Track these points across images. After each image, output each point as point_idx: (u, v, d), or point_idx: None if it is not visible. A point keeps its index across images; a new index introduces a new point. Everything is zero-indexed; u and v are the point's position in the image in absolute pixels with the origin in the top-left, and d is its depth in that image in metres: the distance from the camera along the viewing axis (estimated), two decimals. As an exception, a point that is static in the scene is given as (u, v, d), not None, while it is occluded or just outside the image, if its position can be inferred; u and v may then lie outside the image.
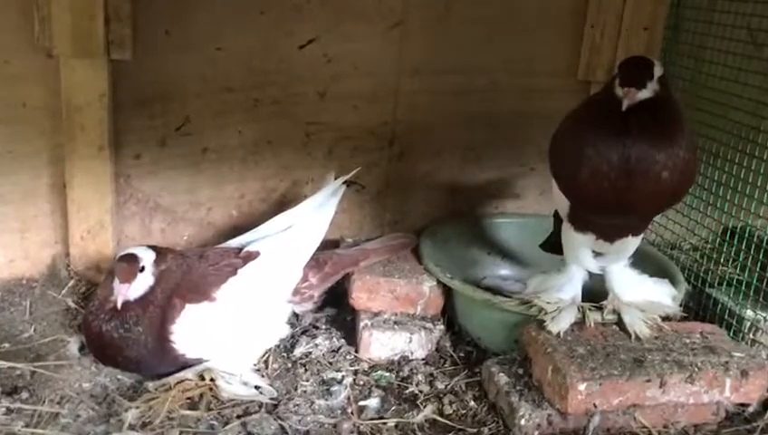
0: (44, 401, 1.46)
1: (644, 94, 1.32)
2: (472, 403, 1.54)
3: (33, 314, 1.76)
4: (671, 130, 1.34)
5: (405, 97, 2.03)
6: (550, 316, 1.54)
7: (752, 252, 1.79)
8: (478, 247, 2.07)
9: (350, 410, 1.50)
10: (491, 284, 1.99)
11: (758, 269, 1.74)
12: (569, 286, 1.61)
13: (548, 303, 1.57)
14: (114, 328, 1.48)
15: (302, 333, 1.75)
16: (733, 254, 1.88)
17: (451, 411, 1.52)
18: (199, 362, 1.55)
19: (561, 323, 1.53)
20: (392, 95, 2.03)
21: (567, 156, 1.39)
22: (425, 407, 1.52)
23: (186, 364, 1.54)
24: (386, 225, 2.14)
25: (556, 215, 1.74)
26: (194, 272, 1.57)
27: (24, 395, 1.47)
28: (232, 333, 1.59)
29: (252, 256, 1.64)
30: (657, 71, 1.35)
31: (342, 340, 1.73)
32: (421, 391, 1.58)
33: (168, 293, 1.52)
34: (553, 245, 1.77)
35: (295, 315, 1.79)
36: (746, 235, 1.83)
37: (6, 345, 1.64)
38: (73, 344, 1.63)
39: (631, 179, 1.31)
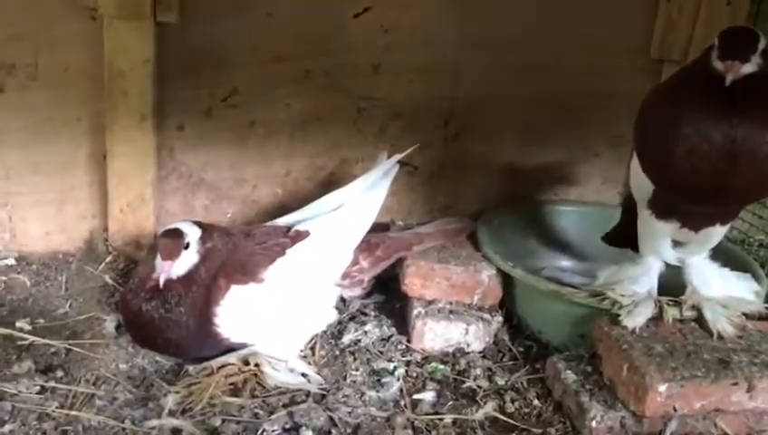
0: (80, 381, 1.40)
1: (747, 69, 1.20)
2: (535, 401, 1.44)
3: (68, 289, 1.72)
4: None
5: (463, 71, 1.91)
6: (625, 310, 1.43)
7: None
8: (536, 236, 1.95)
9: (403, 404, 1.41)
10: (549, 275, 1.86)
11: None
12: (645, 279, 1.50)
13: (622, 296, 1.46)
14: (154, 308, 1.41)
15: (350, 319, 1.67)
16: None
17: (513, 410, 1.42)
18: (244, 346, 1.47)
19: (637, 319, 1.42)
20: (450, 69, 1.91)
21: (659, 134, 1.27)
22: (485, 403, 1.42)
23: (229, 348, 1.46)
24: (437, 209, 2.03)
25: (626, 204, 1.62)
26: (240, 251, 1.50)
27: (59, 374, 1.42)
28: (279, 316, 1.51)
29: (301, 236, 1.56)
30: (762, 44, 1.23)
31: (393, 328, 1.64)
32: (480, 387, 1.48)
33: (213, 272, 1.44)
34: (619, 237, 1.66)
35: (342, 300, 1.70)
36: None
37: (41, 321, 1.59)
38: (110, 323, 1.58)
39: (735, 161, 1.20)
